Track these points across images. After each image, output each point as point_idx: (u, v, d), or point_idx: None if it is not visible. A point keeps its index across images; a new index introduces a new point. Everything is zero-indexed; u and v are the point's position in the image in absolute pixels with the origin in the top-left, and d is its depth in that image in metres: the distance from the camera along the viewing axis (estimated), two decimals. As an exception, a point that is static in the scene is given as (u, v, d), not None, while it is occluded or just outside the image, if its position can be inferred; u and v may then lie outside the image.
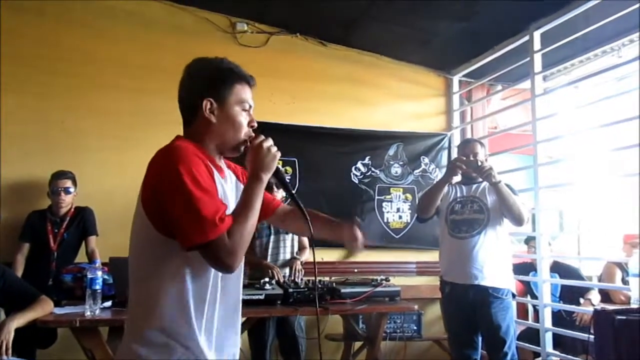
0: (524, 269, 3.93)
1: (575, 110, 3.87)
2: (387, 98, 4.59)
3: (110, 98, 3.86)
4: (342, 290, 2.90)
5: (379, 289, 3.01)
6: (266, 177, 1.29)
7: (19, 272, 3.31)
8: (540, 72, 3.76)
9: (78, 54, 3.84)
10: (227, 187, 1.35)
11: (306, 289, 2.83)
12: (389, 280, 3.13)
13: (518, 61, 3.97)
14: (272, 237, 3.44)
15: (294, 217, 1.58)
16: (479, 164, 2.98)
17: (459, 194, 3.12)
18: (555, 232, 5.15)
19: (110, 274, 2.77)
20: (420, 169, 4.61)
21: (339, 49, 4.46)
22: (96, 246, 3.50)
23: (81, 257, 3.49)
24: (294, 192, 1.43)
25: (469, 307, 2.95)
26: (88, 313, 2.37)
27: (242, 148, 1.35)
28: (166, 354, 1.21)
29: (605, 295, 3.88)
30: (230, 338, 1.33)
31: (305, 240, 3.56)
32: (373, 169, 4.48)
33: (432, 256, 4.02)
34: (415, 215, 3.52)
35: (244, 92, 1.36)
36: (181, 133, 1.37)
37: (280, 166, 1.37)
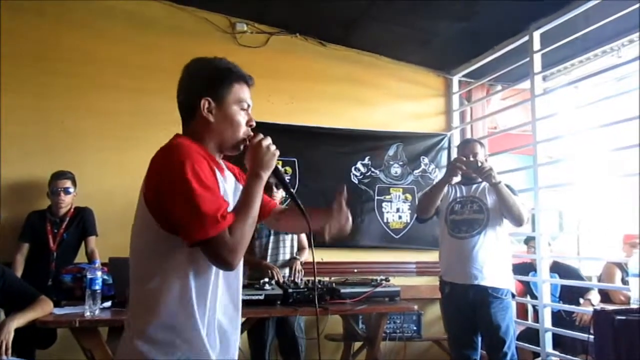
0: (524, 269, 3.93)
1: (575, 110, 3.87)
2: (386, 98, 4.59)
3: (110, 98, 3.87)
4: (342, 291, 2.90)
5: (378, 289, 3.01)
6: (265, 174, 1.31)
7: (19, 273, 3.30)
8: (540, 72, 3.76)
9: (78, 54, 3.85)
10: (227, 186, 1.36)
11: (306, 289, 2.83)
12: (388, 281, 3.13)
13: (518, 61, 3.97)
14: (271, 238, 3.44)
15: (289, 215, 1.60)
16: (479, 164, 2.98)
17: (458, 194, 3.12)
18: (555, 232, 5.15)
19: (109, 274, 2.77)
20: (420, 169, 4.61)
21: (339, 49, 4.46)
22: (96, 246, 3.50)
23: (81, 258, 3.49)
24: (293, 191, 1.43)
25: (468, 307, 2.95)
26: (88, 313, 2.37)
27: (242, 147, 1.36)
28: (168, 351, 1.22)
29: (605, 296, 3.88)
30: (230, 337, 1.33)
31: (305, 240, 3.56)
32: (373, 169, 4.48)
33: (431, 256, 4.02)
34: (415, 215, 3.52)
35: (242, 92, 1.37)
36: (180, 133, 1.38)
37: (279, 166, 1.38)
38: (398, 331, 3.87)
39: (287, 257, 3.47)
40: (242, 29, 4.20)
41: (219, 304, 1.29)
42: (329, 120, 4.37)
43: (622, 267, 3.92)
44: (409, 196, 4.54)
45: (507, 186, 2.99)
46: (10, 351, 2.28)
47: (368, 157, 4.47)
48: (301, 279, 3.29)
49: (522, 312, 4.59)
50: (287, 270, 3.38)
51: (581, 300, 3.75)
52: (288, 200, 3.62)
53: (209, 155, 1.32)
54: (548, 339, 3.53)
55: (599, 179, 4.54)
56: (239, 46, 4.19)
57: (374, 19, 3.94)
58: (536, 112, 3.72)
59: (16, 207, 3.59)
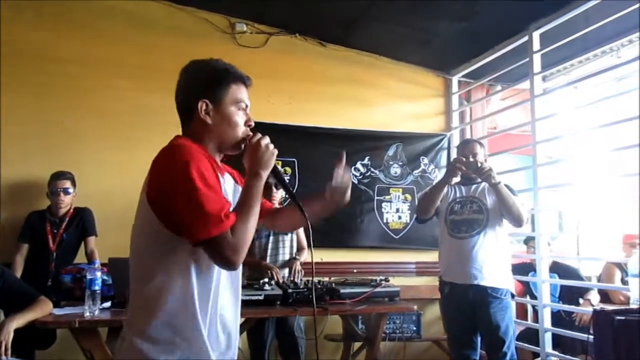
0: (523, 269, 3.93)
1: (574, 110, 3.87)
2: (386, 98, 4.58)
3: (110, 98, 3.86)
4: (342, 291, 2.90)
5: (378, 289, 3.00)
6: (265, 174, 1.31)
7: (18, 273, 3.30)
8: (539, 72, 3.76)
9: (78, 54, 3.84)
10: (227, 187, 1.37)
11: (305, 290, 2.83)
12: (388, 281, 3.13)
13: (517, 61, 3.97)
14: (271, 238, 3.44)
15: (284, 213, 1.62)
16: (479, 164, 2.98)
17: (458, 194, 3.12)
18: (554, 233, 5.15)
19: (109, 275, 2.77)
20: (420, 169, 4.61)
21: (339, 50, 4.45)
22: (95, 247, 3.50)
23: (80, 258, 3.49)
24: (293, 190, 1.44)
25: (468, 307, 2.95)
26: (87, 314, 2.37)
27: (243, 146, 1.36)
28: (168, 350, 1.22)
29: (605, 296, 3.88)
30: (232, 335, 1.34)
31: (304, 240, 3.56)
32: (372, 170, 4.48)
33: (431, 256, 4.02)
34: (415, 215, 3.52)
35: (240, 92, 1.38)
36: (180, 133, 1.38)
37: (278, 165, 1.38)
38: (398, 331, 3.87)
39: (287, 257, 3.47)
40: (241, 29, 4.20)
41: (221, 303, 1.29)
42: (328, 121, 4.37)
43: (622, 267, 3.92)
44: (408, 196, 4.54)
45: (507, 186, 2.99)
46: (9, 352, 2.28)
47: (368, 158, 4.47)
48: (301, 279, 3.29)
49: (521, 312, 4.59)
50: (286, 271, 3.38)
51: (581, 301, 3.75)
52: (288, 201, 3.61)
53: (209, 156, 1.32)
54: (548, 339, 3.53)
55: (599, 179, 4.54)
56: (239, 46, 4.19)
57: (374, 19, 3.94)
58: (536, 112, 3.72)
59: (16, 208, 3.59)
